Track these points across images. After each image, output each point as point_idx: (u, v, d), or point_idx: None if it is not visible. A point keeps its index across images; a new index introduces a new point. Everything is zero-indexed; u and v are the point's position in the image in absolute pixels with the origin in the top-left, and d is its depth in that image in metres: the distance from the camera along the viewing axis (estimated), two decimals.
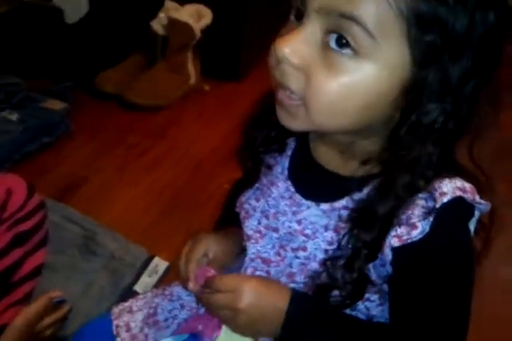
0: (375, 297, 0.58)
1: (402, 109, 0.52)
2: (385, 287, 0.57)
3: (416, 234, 0.52)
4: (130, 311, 0.76)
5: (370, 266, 0.56)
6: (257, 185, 0.67)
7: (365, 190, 0.56)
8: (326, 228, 0.59)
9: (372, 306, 0.59)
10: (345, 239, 0.56)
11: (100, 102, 1.66)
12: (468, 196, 0.53)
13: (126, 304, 0.78)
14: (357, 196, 0.56)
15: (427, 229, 0.52)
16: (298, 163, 0.64)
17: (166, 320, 0.74)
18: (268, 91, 0.60)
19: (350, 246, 0.55)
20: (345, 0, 0.47)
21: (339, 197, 0.58)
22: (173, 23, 1.65)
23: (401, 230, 0.53)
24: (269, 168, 0.65)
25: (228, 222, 0.71)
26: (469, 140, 0.54)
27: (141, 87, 1.67)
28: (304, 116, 0.52)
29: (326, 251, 0.58)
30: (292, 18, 0.53)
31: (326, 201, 0.59)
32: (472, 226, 0.56)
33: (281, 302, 0.58)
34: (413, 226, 0.52)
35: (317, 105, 0.51)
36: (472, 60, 0.49)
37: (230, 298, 0.58)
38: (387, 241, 0.54)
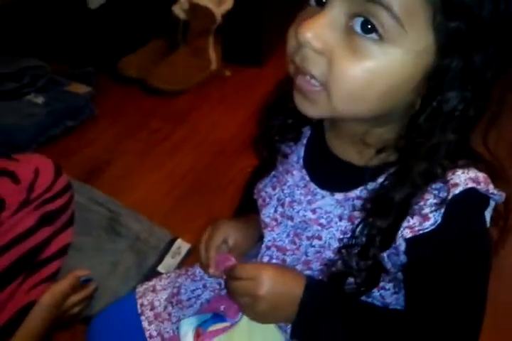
0: (389, 285, 0.59)
1: (423, 95, 0.51)
2: (400, 275, 0.57)
3: (428, 225, 0.52)
4: (154, 290, 0.78)
5: (385, 255, 0.56)
6: (273, 172, 0.67)
7: (380, 180, 0.56)
8: (341, 218, 0.59)
9: (387, 294, 0.60)
10: (360, 227, 0.56)
11: (122, 87, 1.67)
12: (481, 187, 0.52)
13: (150, 283, 0.79)
14: (371, 186, 0.56)
15: (439, 220, 0.52)
16: (313, 153, 0.64)
17: (189, 299, 0.75)
18: (284, 78, 0.60)
19: (365, 233, 0.55)
20: None
21: (353, 187, 0.58)
22: (194, 8, 1.65)
23: (413, 221, 0.53)
24: (285, 156, 0.65)
25: (248, 209, 0.71)
26: (484, 127, 0.54)
27: (163, 71, 1.68)
28: (325, 102, 0.52)
29: (340, 240, 0.58)
30: (312, 2, 0.52)
31: (340, 191, 0.59)
32: (488, 216, 0.55)
33: (296, 289, 0.58)
34: (425, 217, 0.53)
35: (340, 91, 0.50)
36: (494, 48, 0.49)
37: (250, 285, 0.59)
38: (399, 232, 0.54)
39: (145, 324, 0.74)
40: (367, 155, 0.57)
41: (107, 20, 1.77)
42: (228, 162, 1.43)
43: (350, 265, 0.56)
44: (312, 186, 0.61)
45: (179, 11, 1.68)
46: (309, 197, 0.61)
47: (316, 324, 0.59)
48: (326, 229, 0.60)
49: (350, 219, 0.58)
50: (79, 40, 1.71)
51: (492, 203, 0.55)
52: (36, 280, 0.88)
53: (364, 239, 0.56)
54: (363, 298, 0.59)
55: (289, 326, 0.60)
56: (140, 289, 0.78)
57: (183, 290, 0.76)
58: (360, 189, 0.57)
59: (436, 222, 0.52)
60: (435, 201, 0.52)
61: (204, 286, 0.75)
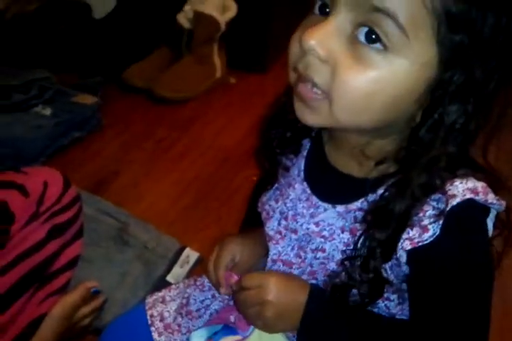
0: (394, 296, 0.59)
1: (424, 107, 0.52)
2: (404, 286, 0.57)
3: (427, 236, 0.52)
4: (163, 301, 0.78)
5: (387, 266, 0.56)
6: (276, 185, 0.67)
7: (380, 191, 0.56)
8: (343, 230, 0.59)
9: (392, 305, 0.60)
10: (361, 239, 0.56)
11: (129, 96, 1.68)
12: (479, 197, 0.52)
13: (160, 294, 0.79)
14: (371, 197, 0.56)
15: (438, 232, 0.52)
16: (313, 165, 0.64)
17: (198, 310, 0.75)
18: (283, 90, 0.61)
19: (366, 245, 0.55)
20: None
21: (354, 198, 0.58)
22: (199, 16, 1.65)
23: (413, 232, 0.53)
24: (287, 169, 0.66)
25: (254, 222, 0.72)
26: (484, 141, 0.54)
27: (169, 80, 1.68)
28: (326, 111, 0.52)
29: (343, 251, 0.59)
30: (316, 11, 0.53)
31: (341, 203, 0.59)
32: (490, 224, 0.55)
33: (301, 296, 0.59)
34: (424, 228, 0.53)
35: (342, 100, 0.50)
36: (496, 61, 0.50)
37: (257, 293, 0.60)
38: (399, 243, 0.54)
39: (155, 335, 0.75)
40: (366, 167, 0.57)
41: (112, 30, 1.78)
42: (234, 169, 1.43)
43: (353, 277, 0.56)
44: (314, 199, 0.61)
45: (184, 19, 1.69)
46: (312, 210, 0.61)
47: (320, 331, 0.59)
48: (329, 241, 0.60)
49: (351, 231, 0.58)
50: (85, 50, 1.72)
51: (493, 211, 0.55)
52: (47, 293, 0.88)
53: (365, 250, 0.56)
54: (369, 308, 0.60)
55: None
56: (149, 300, 0.79)
57: (192, 301, 0.76)
58: (360, 201, 0.58)
59: (435, 233, 0.52)
60: (434, 212, 0.53)
61: (213, 296, 0.76)
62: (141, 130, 1.58)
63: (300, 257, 0.63)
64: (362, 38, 0.48)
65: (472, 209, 0.53)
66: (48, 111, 1.40)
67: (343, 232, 0.59)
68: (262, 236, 0.67)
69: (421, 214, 0.53)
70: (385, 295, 0.58)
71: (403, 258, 0.54)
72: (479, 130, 0.53)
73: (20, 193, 0.86)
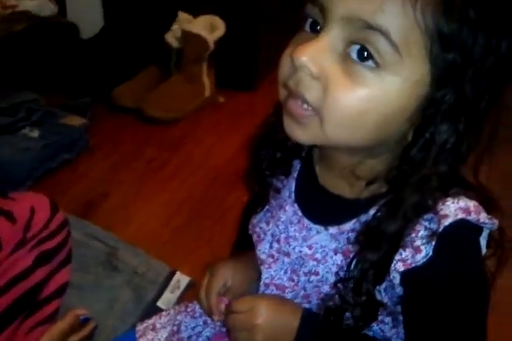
0: (388, 319, 0.58)
1: (416, 126, 0.52)
2: (399, 308, 0.57)
3: (420, 257, 0.52)
4: (154, 329, 0.77)
5: (381, 288, 0.56)
6: (267, 207, 0.66)
7: (372, 211, 0.56)
8: (336, 252, 0.59)
9: (386, 328, 0.59)
10: (354, 261, 0.56)
11: (117, 116, 1.67)
12: (472, 217, 0.52)
13: (150, 321, 0.78)
14: (363, 218, 0.56)
15: (431, 252, 0.52)
16: (303, 187, 0.63)
17: (189, 337, 0.74)
18: (272, 110, 0.60)
19: (358, 268, 0.55)
20: (371, 10, 0.47)
21: (346, 219, 0.58)
22: (187, 35, 1.66)
23: (406, 253, 0.53)
24: (277, 191, 0.65)
25: (245, 244, 0.71)
26: (475, 161, 0.54)
27: (157, 99, 1.68)
28: (316, 128, 0.51)
29: (337, 274, 0.58)
30: (307, 28, 0.53)
31: (333, 224, 0.59)
32: (483, 242, 0.55)
33: (293, 320, 0.58)
34: (417, 249, 0.52)
35: (333, 117, 0.50)
36: (487, 81, 0.50)
37: (247, 317, 0.59)
38: (392, 265, 0.54)
39: None
40: (358, 187, 0.57)
41: (100, 50, 1.78)
42: (225, 188, 1.42)
43: (346, 299, 0.56)
44: (305, 221, 0.61)
45: (172, 39, 1.69)
46: (304, 233, 0.61)
47: None
48: (322, 264, 0.59)
49: (344, 253, 0.58)
50: (73, 70, 1.72)
51: (486, 230, 0.55)
52: (35, 322, 0.87)
53: (358, 273, 0.55)
54: (363, 332, 0.59)
55: None
56: (140, 328, 0.78)
57: (183, 328, 0.75)
58: (353, 221, 0.57)
59: (427, 254, 0.52)
60: (426, 233, 0.52)
61: (205, 323, 0.75)
62: (130, 150, 1.57)
63: (293, 281, 0.62)
64: (354, 55, 0.49)
65: (465, 229, 0.53)
66: (35, 134, 1.40)
67: (336, 254, 0.59)
68: (254, 259, 0.67)
69: (413, 235, 0.53)
70: (380, 318, 0.58)
71: (396, 280, 0.54)
72: (471, 150, 0.53)
73: (7, 220, 0.85)
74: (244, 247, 0.72)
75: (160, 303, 1.07)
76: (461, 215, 0.52)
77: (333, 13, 0.49)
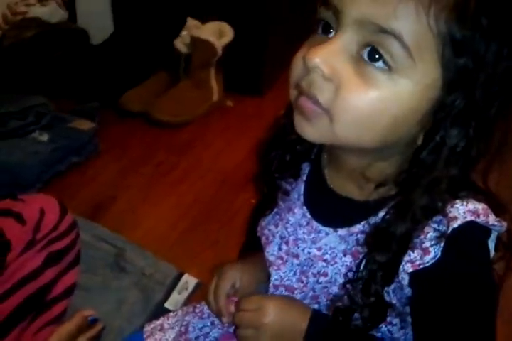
0: (396, 320, 0.58)
1: (426, 130, 0.52)
2: (407, 309, 0.57)
3: (428, 259, 0.52)
4: (162, 329, 0.77)
5: (390, 289, 0.56)
6: (275, 209, 0.67)
7: (381, 213, 0.56)
8: (345, 253, 0.59)
9: (394, 329, 0.59)
10: (363, 262, 0.56)
11: (126, 121, 1.68)
12: (480, 219, 0.52)
13: (158, 322, 0.79)
14: (373, 220, 0.56)
15: (439, 254, 0.52)
16: (313, 189, 0.64)
17: (197, 337, 0.75)
18: (282, 113, 0.61)
19: (367, 269, 0.55)
20: (385, 14, 0.47)
21: (356, 221, 0.58)
22: (196, 41, 1.67)
23: (414, 255, 0.53)
24: (286, 193, 0.65)
25: (254, 246, 0.71)
26: (485, 164, 0.54)
27: (166, 104, 1.69)
28: (326, 126, 0.52)
29: (345, 275, 0.58)
30: (320, 31, 0.53)
31: (343, 226, 0.59)
32: (491, 245, 0.55)
33: (301, 322, 0.58)
34: (425, 250, 0.53)
35: (344, 117, 0.50)
36: (498, 87, 0.50)
37: (255, 315, 0.60)
38: (401, 266, 0.54)
39: None
40: (367, 189, 0.57)
41: (110, 56, 1.79)
42: (233, 192, 1.43)
43: (355, 300, 0.56)
44: (314, 224, 0.61)
45: (181, 44, 1.70)
46: (313, 235, 0.61)
47: None
48: (331, 265, 0.60)
49: (353, 254, 0.58)
50: (82, 75, 1.73)
51: (494, 233, 0.55)
52: (43, 322, 0.88)
53: (367, 274, 0.55)
54: (371, 333, 0.59)
55: None
56: (148, 328, 0.78)
57: (191, 329, 0.75)
58: (362, 223, 0.57)
59: (436, 256, 0.52)
60: (435, 234, 0.52)
61: (212, 324, 0.75)
62: (138, 154, 1.58)
63: (302, 282, 0.62)
64: (365, 56, 0.49)
65: (473, 231, 0.53)
66: (45, 137, 1.41)
67: (345, 256, 0.59)
68: (262, 260, 0.67)
69: (422, 236, 0.53)
70: (388, 319, 0.58)
71: (405, 281, 0.54)
72: (481, 154, 0.53)
73: (17, 221, 0.86)
74: (252, 249, 0.72)
75: (167, 305, 1.07)
76: (470, 217, 0.52)
77: (347, 16, 0.49)
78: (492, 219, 0.53)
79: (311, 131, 0.53)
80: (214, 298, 0.69)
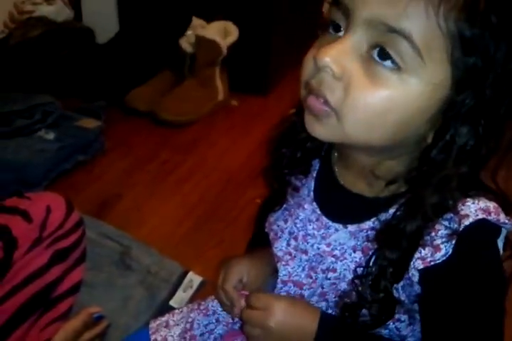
0: (404, 317, 0.58)
1: (436, 129, 0.52)
2: (415, 306, 0.57)
3: (439, 256, 0.53)
4: (167, 326, 0.77)
5: (399, 286, 0.56)
6: (284, 205, 0.67)
7: (391, 210, 0.56)
8: (354, 249, 0.59)
9: (402, 326, 0.59)
10: (373, 258, 0.56)
11: (132, 119, 1.69)
12: (492, 217, 0.53)
13: (163, 319, 0.79)
14: (383, 216, 0.56)
15: (450, 251, 0.52)
16: (323, 185, 0.64)
17: (202, 334, 0.75)
18: (295, 109, 0.61)
19: (377, 265, 0.55)
20: (394, 14, 0.47)
21: (366, 218, 0.58)
22: (201, 41, 1.68)
23: (425, 252, 0.53)
24: (296, 189, 0.65)
25: (261, 242, 0.71)
26: (494, 163, 0.54)
27: (171, 103, 1.70)
28: (335, 125, 0.52)
29: (355, 271, 0.58)
30: (330, 31, 0.53)
31: (352, 222, 0.59)
32: (500, 243, 0.55)
33: (309, 324, 0.59)
34: (437, 248, 0.53)
35: (354, 116, 0.51)
36: (507, 86, 0.50)
37: (262, 316, 0.60)
38: (411, 263, 0.54)
39: None
40: (377, 187, 0.57)
41: (115, 55, 1.80)
42: (238, 191, 1.43)
43: (364, 296, 0.56)
44: (324, 220, 0.61)
45: (186, 44, 1.71)
46: (323, 231, 0.61)
47: None
48: (341, 261, 0.60)
49: (363, 250, 0.58)
50: (88, 74, 1.74)
51: (503, 232, 0.55)
52: (50, 319, 0.88)
53: (376, 269, 0.56)
54: (380, 330, 0.59)
55: None
56: (153, 325, 0.78)
57: (196, 325, 0.75)
58: (372, 220, 0.58)
59: (447, 253, 0.52)
60: (446, 232, 0.53)
61: (217, 321, 0.75)
62: (144, 153, 1.58)
63: (311, 278, 0.62)
64: (375, 55, 0.49)
65: (485, 229, 0.53)
66: (51, 136, 1.41)
67: (354, 252, 0.59)
68: (269, 255, 0.67)
69: (433, 234, 0.53)
70: (396, 316, 0.58)
71: (415, 278, 0.54)
72: (491, 153, 0.53)
73: (23, 219, 0.86)
74: (259, 245, 0.72)
75: (172, 302, 1.08)
76: (481, 215, 0.52)
77: (357, 16, 0.49)
78: (503, 217, 0.53)
79: (322, 130, 0.54)
80: (223, 293, 0.69)
